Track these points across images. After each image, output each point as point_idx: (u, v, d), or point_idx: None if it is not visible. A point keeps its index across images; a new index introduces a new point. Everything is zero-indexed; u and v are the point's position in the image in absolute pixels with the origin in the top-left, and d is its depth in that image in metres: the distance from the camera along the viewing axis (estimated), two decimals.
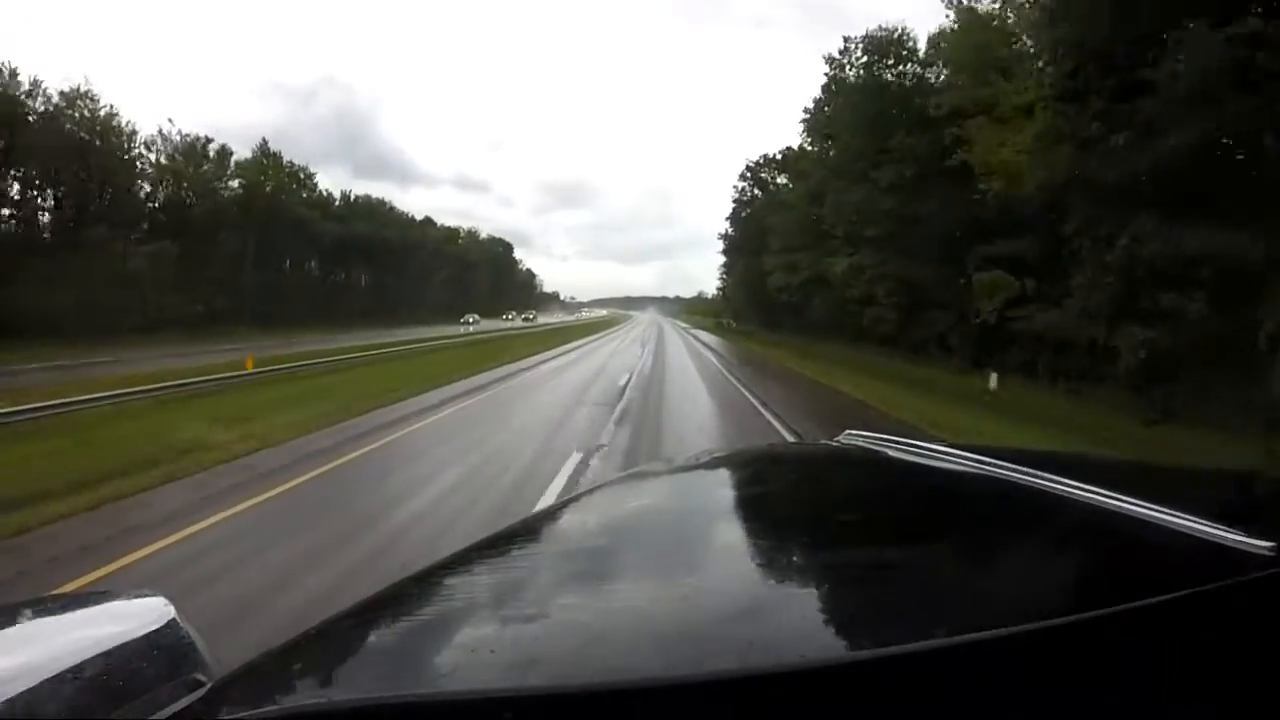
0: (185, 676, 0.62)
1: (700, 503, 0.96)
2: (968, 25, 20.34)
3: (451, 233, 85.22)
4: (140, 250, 33.88)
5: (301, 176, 50.65)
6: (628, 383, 15.36)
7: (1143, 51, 12.10)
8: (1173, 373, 12.38)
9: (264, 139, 48.91)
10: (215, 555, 4.40)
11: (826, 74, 28.88)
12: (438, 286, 72.37)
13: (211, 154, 41.86)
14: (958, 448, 0.92)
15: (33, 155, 31.16)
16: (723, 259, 64.51)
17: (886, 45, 25.82)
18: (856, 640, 0.48)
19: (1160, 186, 11.88)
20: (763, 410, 11.64)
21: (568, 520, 0.93)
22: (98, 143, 34.15)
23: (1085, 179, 12.98)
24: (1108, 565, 0.62)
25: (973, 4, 20.73)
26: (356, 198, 59.70)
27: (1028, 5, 17.59)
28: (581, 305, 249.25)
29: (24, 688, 0.54)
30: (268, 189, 45.55)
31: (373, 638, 0.55)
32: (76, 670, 0.58)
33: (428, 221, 77.34)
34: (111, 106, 35.19)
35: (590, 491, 1.21)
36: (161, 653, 0.64)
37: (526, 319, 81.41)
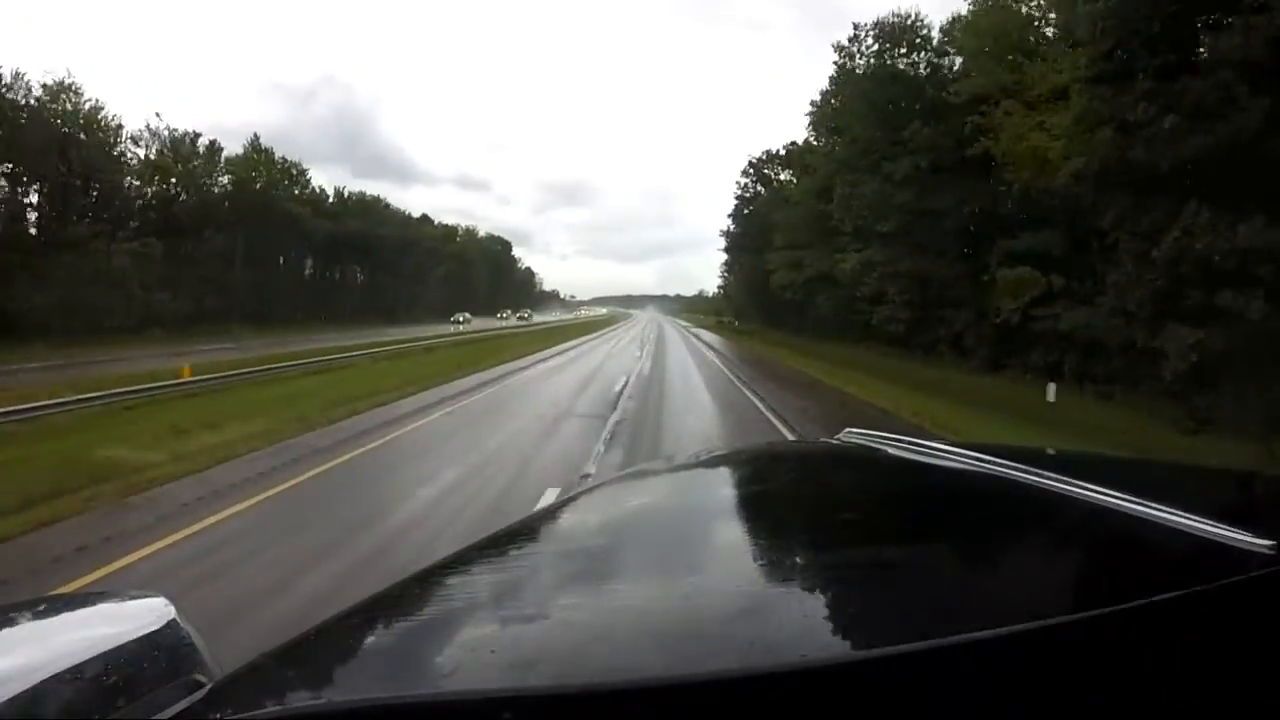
0: (185, 677, 0.62)
1: (700, 501, 0.96)
2: (988, 5, 19.09)
3: (449, 231, 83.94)
4: (125, 247, 32.94)
5: (294, 173, 49.62)
6: (623, 389, 14.15)
7: (1191, 25, 10.97)
8: (1218, 378, 11.27)
9: (255, 134, 48.19)
10: None
11: (835, 63, 27.69)
12: (434, 285, 71.26)
13: (201, 149, 40.95)
14: (957, 446, 0.91)
15: (12, 149, 30.21)
16: (724, 257, 63.41)
17: (899, 32, 24.64)
18: (858, 640, 0.48)
19: (1212, 174, 10.76)
20: (782, 429, 10.29)
21: (568, 520, 0.91)
22: (82, 136, 33.23)
23: (1127, 166, 11.80)
24: (1108, 564, 0.62)
25: None
26: (350, 195, 58.53)
27: None
28: (581, 304, 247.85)
29: (24, 688, 0.54)
30: (258, 185, 44.60)
31: (373, 638, 0.55)
32: (76, 670, 0.58)
33: (424, 219, 76.13)
34: (96, 100, 34.37)
35: (590, 491, 1.14)
36: (161, 653, 0.64)
37: (522, 318, 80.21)
